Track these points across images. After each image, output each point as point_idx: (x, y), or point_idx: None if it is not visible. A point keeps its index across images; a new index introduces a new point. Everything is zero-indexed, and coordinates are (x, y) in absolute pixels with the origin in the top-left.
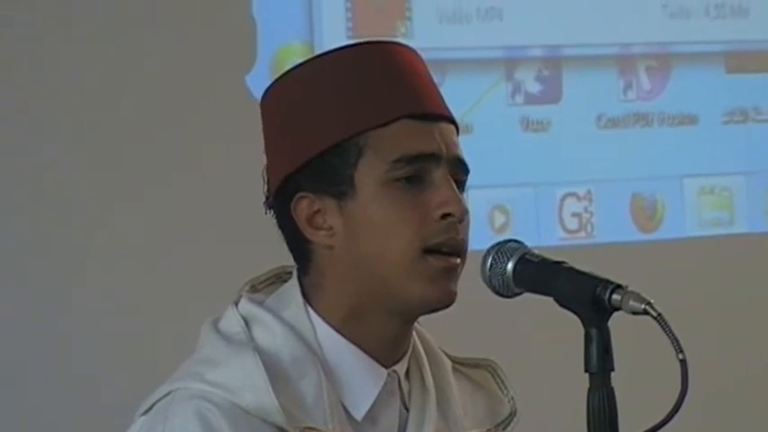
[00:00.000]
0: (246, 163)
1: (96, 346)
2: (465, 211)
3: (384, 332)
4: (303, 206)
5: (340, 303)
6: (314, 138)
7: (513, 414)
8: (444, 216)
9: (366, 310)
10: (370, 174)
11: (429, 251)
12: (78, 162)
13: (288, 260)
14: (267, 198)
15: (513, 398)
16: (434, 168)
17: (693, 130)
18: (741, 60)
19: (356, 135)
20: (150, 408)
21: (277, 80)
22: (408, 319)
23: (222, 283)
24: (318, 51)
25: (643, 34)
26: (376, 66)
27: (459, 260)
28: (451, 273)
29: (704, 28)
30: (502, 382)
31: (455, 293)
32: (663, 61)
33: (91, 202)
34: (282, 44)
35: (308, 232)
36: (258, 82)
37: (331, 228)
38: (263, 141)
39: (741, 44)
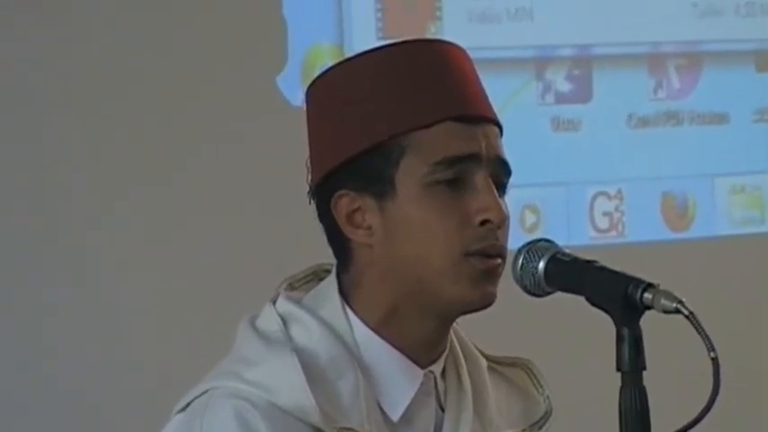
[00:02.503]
0: (279, 164)
1: (96, 345)
2: (505, 218)
3: (422, 333)
4: (343, 204)
5: (378, 302)
6: (357, 136)
7: (548, 413)
8: (483, 222)
9: (404, 310)
10: (411, 175)
11: (470, 254)
12: (100, 163)
13: (296, 263)
14: (310, 189)
15: (548, 397)
16: (475, 170)
17: (724, 128)
18: None
19: (399, 135)
20: (187, 406)
21: (323, 74)
22: (446, 320)
23: (233, 282)
24: (349, 52)
25: (673, 33)
26: (422, 65)
27: (500, 261)
28: (493, 274)
29: (734, 26)
30: (537, 381)
31: (495, 295)
32: (693, 60)
33: (96, 199)
34: (312, 44)
35: (348, 230)
36: (289, 83)
37: (370, 227)
38: (294, 143)
39: None
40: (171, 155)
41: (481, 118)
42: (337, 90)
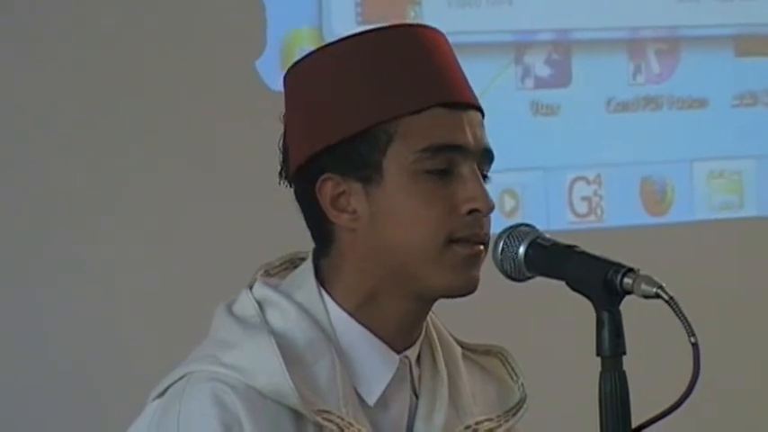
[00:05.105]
0: (259, 150)
1: (96, 345)
2: (492, 207)
3: (399, 317)
4: (328, 187)
5: (357, 286)
6: (343, 121)
7: (522, 401)
8: (471, 212)
9: (383, 294)
10: (398, 162)
11: (454, 241)
12: (82, 153)
13: (278, 248)
14: (283, 172)
15: (522, 384)
16: (462, 160)
17: (703, 113)
18: (750, 43)
19: (387, 122)
20: (164, 391)
21: (304, 57)
22: (425, 304)
23: (231, 278)
24: (328, 36)
25: (652, 18)
26: (407, 51)
27: (483, 247)
28: (476, 260)
29: (713, 11)
30: (512, 369)
31: (478, 280)
32: (672, 45)
33: (93, 192)
34: (291, 29)
35: (332, 214)
36: (268, 67)
37: (355, 211)
38: (275, 128)
39: (750, 27)
40: (148, 139)
41: (467, 104)
42: (321, 74)
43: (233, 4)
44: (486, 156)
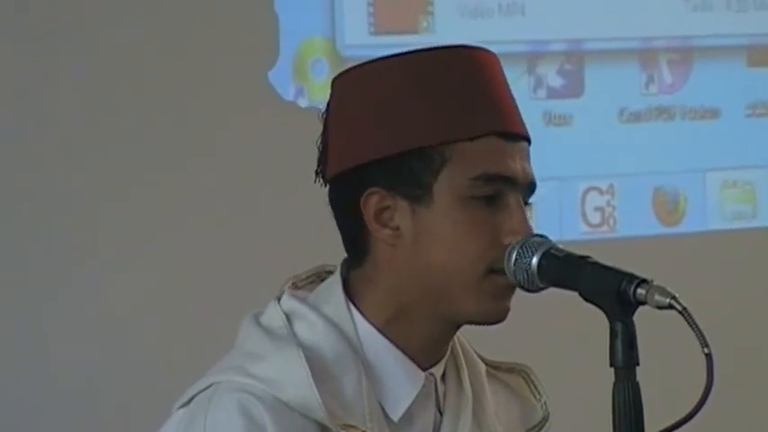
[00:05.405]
0: (271, 159)
1: (96, 345)
2: None
3: (428, 336)
4: (373, 201)
5: (388, 302)
6: (397, 136)
7: (545, 419)
8: None
9: (414, 312)
10: (449, 186)
11: (494, 271)
12: (82, 153)
13: (291, 256)
14: (320, 171)
15: (545, 403)
16: (509, 191)
17: (716, 123)
18: (763, 54)
19: (443, 144)
20: (190, 400)
21: (364, 64)
22: (454, 327)
23: (227, 276)
24: (341, 47)
25: (665, 28)
26: (468, 74)
27: None
28: (511, 291)
29: (726, 21)
30: (535, 387)
31: (509, 310)
32: (685, 55)
33: (93, 192)
34: (304, 39)
35: (373, 227)
36: (281, 78)
37: (398, 228)
38: (286, 137)
39: (763, 37)
40: (162, 151)
41: (519, 135)
42: (379, 84)
43: (246, 14)
44: (531, 189)
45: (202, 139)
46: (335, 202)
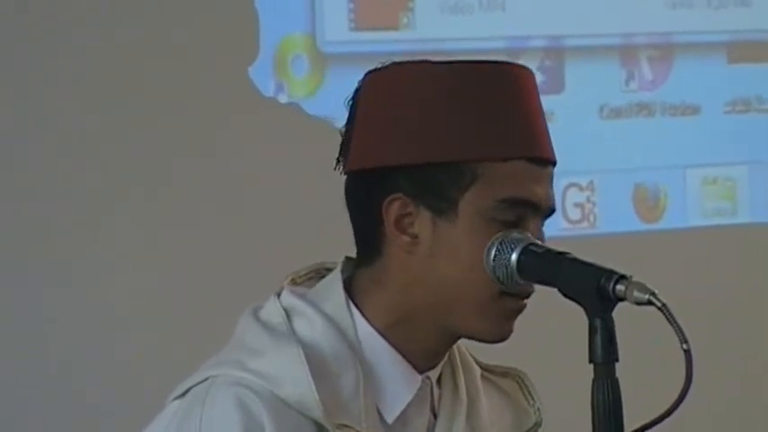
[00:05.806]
0: (252, 155)
1: (96, 345)
2: None
3: (428, 343)
4: (396, 206)
5: (394, 306)
6: (432, 146)
7: (537, 424)
8: None
9: (418, 320)
10: (475, 204)
11: (506, 294)
12: (78, 159)
13: (276, 252)
14: (340, 161)
15: (539, 408)
16: (531, 216)
17: (696, 120)
18: (743, 50)
19: (476, 161)
20: (185, 392)
21: (401, 64)
22: (455, 338)
23: (226, 281)
24: (321, 43)
25: (645, 24)
26: (506, 93)
27: (527, 302)
28: (518, 313)
29: (706, 18)
30: (529, 392)
31: (512, 332)
32: (665, 51)
33: (90, 199)
34: (285, 35)
35: (392, 232)
36: (261, 74)
37: (416, 236)
38: (266, 133)
39: (743, 34)
40: (143, 143)
41: (548, 161)
42: (416, 89)
43: (226, 10)
44: (549, 214)
45: (183, 135)
46: (353, 197)
